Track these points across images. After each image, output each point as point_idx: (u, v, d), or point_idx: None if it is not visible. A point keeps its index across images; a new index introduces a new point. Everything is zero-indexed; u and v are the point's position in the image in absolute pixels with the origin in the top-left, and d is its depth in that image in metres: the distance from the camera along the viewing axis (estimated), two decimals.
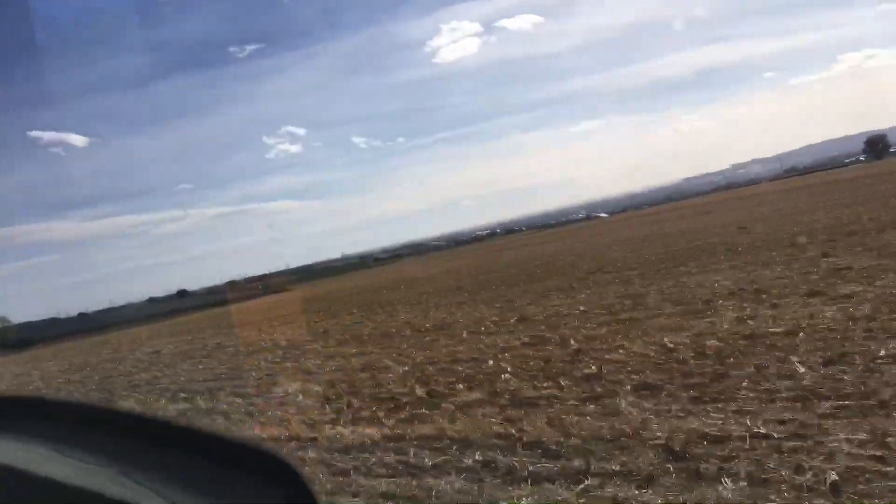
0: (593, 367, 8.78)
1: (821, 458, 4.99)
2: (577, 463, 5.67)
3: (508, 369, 9.60)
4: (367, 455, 6.96)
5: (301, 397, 10.52)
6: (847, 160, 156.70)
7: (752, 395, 6.61)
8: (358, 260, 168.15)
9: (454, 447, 6.64)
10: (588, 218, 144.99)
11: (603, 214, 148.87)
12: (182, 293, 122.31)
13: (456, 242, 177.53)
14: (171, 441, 0.87)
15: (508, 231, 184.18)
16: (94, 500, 0.77)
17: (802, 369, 7.07)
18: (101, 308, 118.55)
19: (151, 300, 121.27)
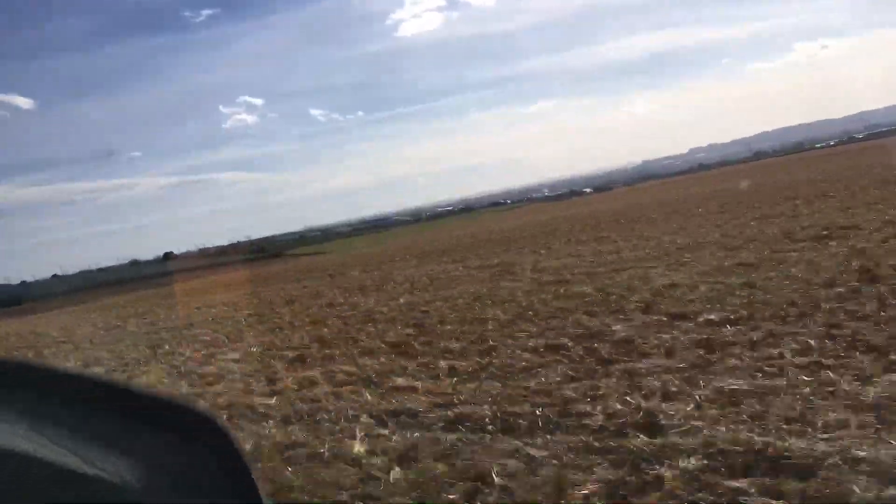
0: None
1: None
2: None
3: None
4: None
5: None
6: (818, 144, 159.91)
7: None
8: (344, 230, 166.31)
9: None
10: (574, 193, 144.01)
11: (587, 190, 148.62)
12: (168, 255, 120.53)
13: (417, 218, 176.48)
14: (85, 396, 0.84)
15: (468, 208, 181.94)
16: (4, 456, 0.75)
17: None
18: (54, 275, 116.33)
19: (134, 263, 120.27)
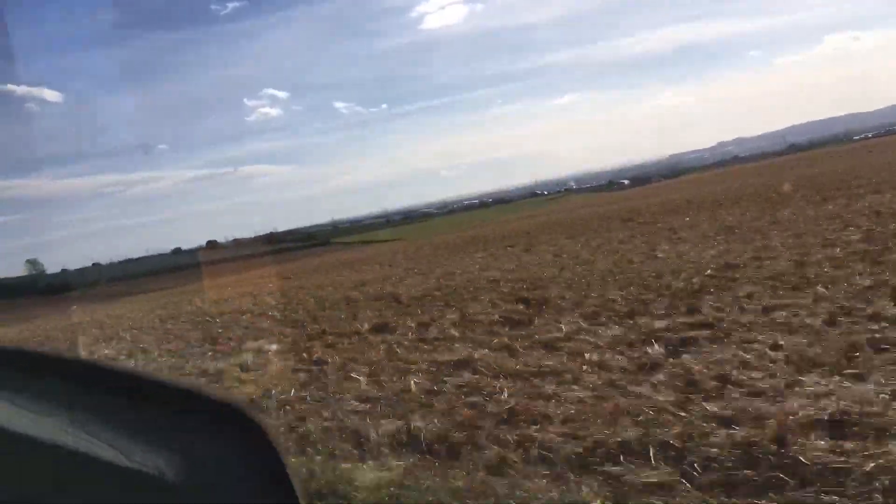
0: None
1: None
2: None
3: None
4: None
5: None
6: (856, 137, 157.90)
7: None
8: (383, 220, 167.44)
9: None
10: (613, 185, 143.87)
11: (625, 181, 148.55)
12: (211, 244, 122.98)
13: (448, 210, 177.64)
14: (123, 390, 0.86)
15: (501, 200, 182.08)
16: (47, 451, 0.76)
17: None
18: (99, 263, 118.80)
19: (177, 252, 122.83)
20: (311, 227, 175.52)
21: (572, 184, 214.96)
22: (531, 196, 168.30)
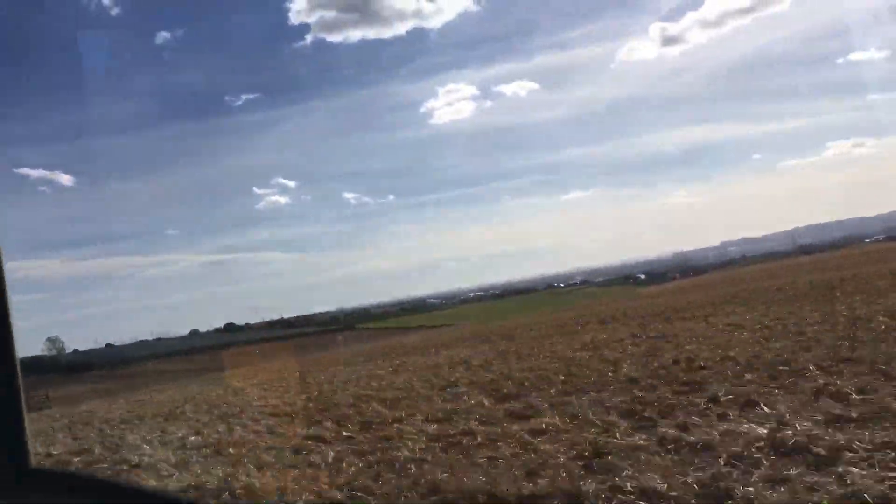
0: None
1: None
2: None
3: None
4: None
5: None
6: (867, 239, 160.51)
7: None
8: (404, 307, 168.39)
9: None
10: (629, 279, 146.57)
11: (641, 276, 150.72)
12: (230, 326, 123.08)
13: (461, 300, 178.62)
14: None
15: (514, 292, 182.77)
16: None
17: None
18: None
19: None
20: (316, 314, 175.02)
21: (578, 278, 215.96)
22: (546, 288, 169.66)
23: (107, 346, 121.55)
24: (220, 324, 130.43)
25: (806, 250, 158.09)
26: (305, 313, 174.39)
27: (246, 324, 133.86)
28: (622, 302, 51.63)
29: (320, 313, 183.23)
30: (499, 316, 65.51)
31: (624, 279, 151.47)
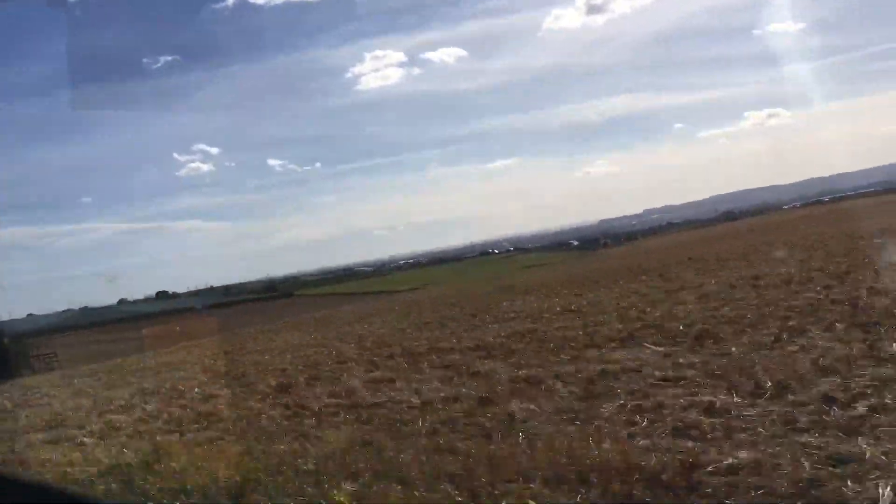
0: None
1: None
2: None
3: None
4: None
5: None
6: (785, 206, 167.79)
7: None
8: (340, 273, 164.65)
9: None
10: (562, 245, 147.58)
11: (573, 242, 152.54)
12: (162, 294, 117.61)
13: (387, 269, 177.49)
14: None
15: (443, 259, 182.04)
16: None
17: None
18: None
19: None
20: (247, 282, 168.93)
21: (508, 246, 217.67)
22: (481, 255, 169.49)
23: (28, 315, 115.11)
24: (151, 292, 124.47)
25: (730, 217, 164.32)
26: (234, 282, 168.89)
27: (175, 293, 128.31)
28: (582, 267, 51.56)
29: (252, 281, 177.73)
30: (463, 280, 64.65)
31: (557, 246, 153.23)
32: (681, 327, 12.67)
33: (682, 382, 8.61)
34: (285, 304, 76.87)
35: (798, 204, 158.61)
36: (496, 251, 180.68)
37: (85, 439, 10.97)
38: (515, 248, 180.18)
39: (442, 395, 10.10)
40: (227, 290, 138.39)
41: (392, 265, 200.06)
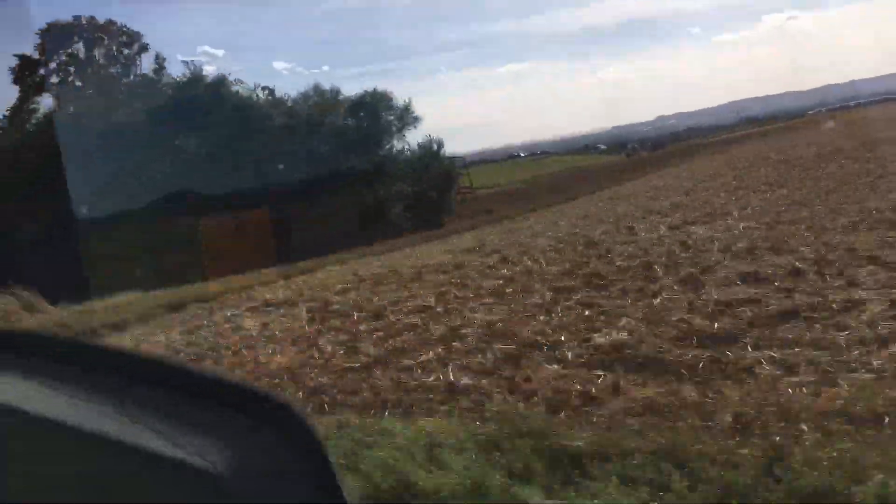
0: None
1: None
2: None
3: None
4: None
5: None
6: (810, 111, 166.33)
7: None
8: None
9: None
10: (589, 148, 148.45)
11: (602, 146, 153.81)
12: None
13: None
14: (164, 380, 0.85)
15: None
16: (92, 439, 0.78)
17: None
18: None
19: None
20: None
21: (520, 153, 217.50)
22: (508, 159, 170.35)
23: None
24: None
25: (751, 122, 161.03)
26: None
27: None
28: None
29: None
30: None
31: (584, 149, 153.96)
32: None
33: None
34: None
35: (824, 109, 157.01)
36: (522, 154, 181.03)
37: None
38: (542, 153, 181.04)
39: None
40: None
41: None
